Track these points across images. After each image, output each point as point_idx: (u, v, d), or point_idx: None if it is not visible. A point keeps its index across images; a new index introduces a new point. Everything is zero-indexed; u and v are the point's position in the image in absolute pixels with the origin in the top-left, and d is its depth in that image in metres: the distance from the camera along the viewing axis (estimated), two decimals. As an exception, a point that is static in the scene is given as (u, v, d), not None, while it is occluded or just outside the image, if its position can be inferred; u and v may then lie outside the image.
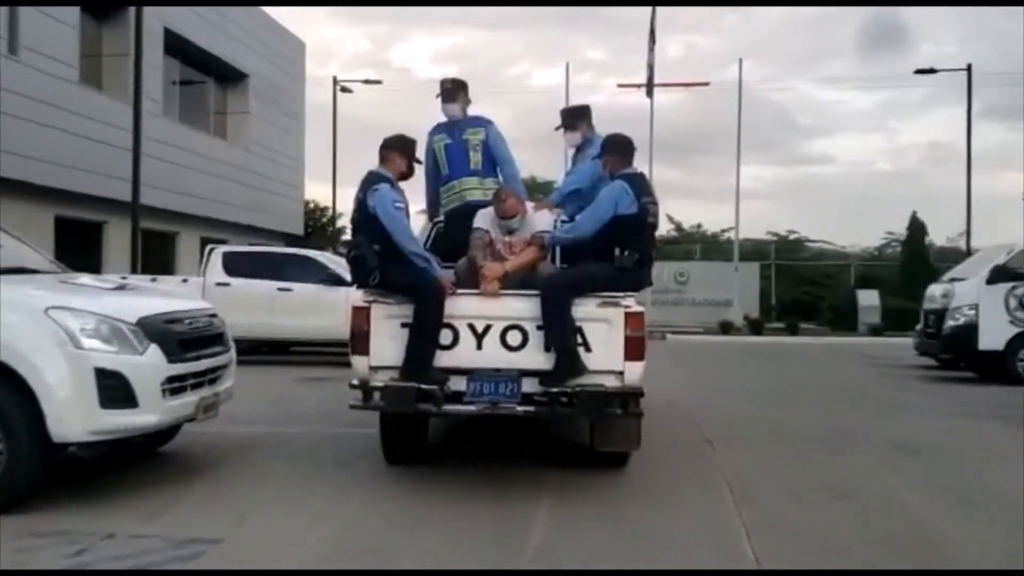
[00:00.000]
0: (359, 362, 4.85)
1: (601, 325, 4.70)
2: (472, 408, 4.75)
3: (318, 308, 11.07)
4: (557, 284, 4.71)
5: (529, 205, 5.27)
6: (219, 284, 11.40)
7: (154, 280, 11.76)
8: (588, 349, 4.68)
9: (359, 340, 4.83)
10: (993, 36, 52.40)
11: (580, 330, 4.69)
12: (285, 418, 7.11)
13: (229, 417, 5.89)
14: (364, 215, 4.90)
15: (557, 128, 5.66)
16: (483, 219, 5.21)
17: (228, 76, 21.75)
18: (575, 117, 5.65)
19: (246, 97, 22.01)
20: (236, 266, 11.68)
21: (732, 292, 25.80)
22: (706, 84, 33.89)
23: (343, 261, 12.23)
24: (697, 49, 56.86)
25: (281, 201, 23.94)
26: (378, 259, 4.80)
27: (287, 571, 3.57)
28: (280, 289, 11.39)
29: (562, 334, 4.64)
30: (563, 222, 5.31)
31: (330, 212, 31.84)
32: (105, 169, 15.35)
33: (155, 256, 17.52)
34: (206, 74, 21.10)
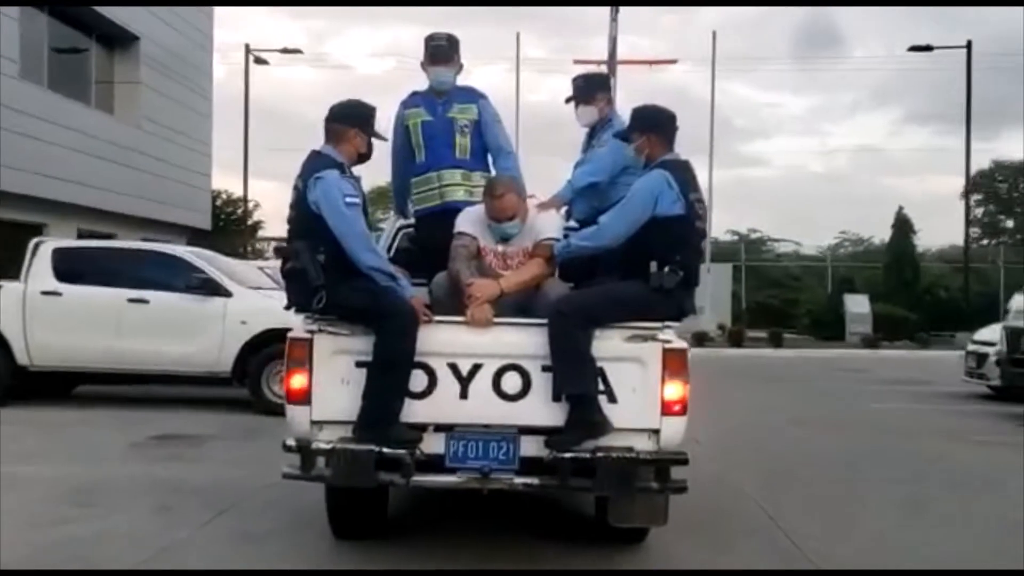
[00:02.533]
0: (297, 415, 4.01)
1: (630, 367, 3.94)
2: (454, 479, 3.96)
3: (185, 327, 8.88)
4: (571, 310, 3.89)
5: (531, 203, 4.45)
6: (46, 293, 9.04)
7: None
8: (612, 399, 3.94)
9: (297, 384, 4.00)
10: (920, 41, 57.28)
11: (602, 373, 3.93)
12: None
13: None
14: (304, 213, 4.02)
15: (568, 100, 4.84)
16: (469, 221, 4.37)
17: (114, 37, 20.22)
18: (592, 87, 4.83)
19: (137, 64, 20.50)
20: (72, 267, 9.24)
21: (704, 298, 25.41)
22: (673, 62, 34.02)
23: (229, 263, 10.37)
24: (636, 49, 59.97)
25: (183, 190, 22.51)
26: (323, 274, 3.93)
27: (289, 571, 3.54)
28: (132, 300, 9.03)
29: (578, 378, 3.85)
30: (570, 229, 4.50)
31: (252, 204, 30.48)
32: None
33: (14, 253, 15.86)
34: (85, 33, 19.53)
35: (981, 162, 41.18)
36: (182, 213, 22.59)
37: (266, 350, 8.61)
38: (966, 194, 29.91)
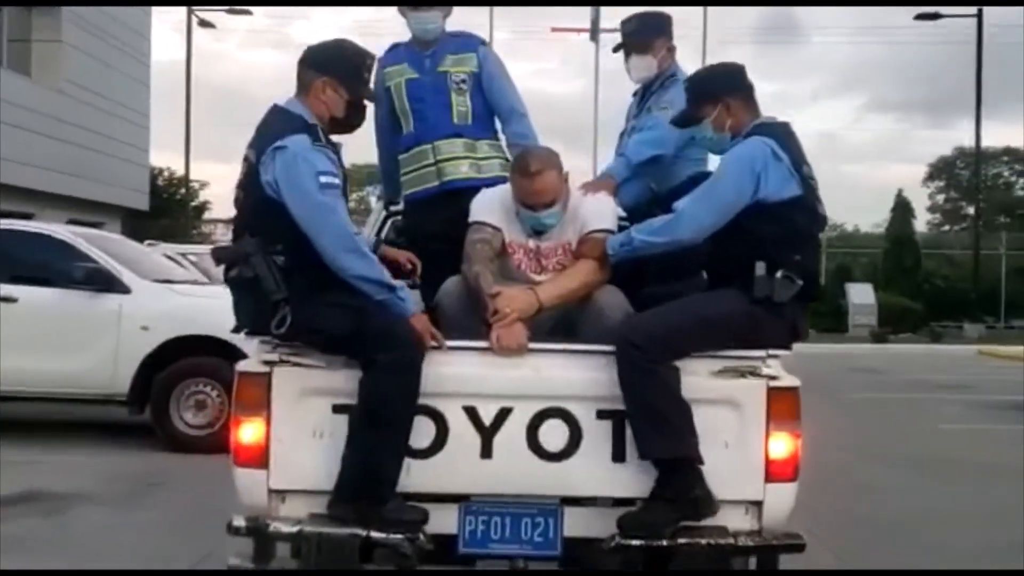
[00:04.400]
0: (249, 482, 3.03)
1: (721, 413, 3.00)
2: None
3: (66, 334, 7.14)
4: (648, 340, 2.91)
5: (574, 183, 3.46)
6: None
7: None
8: (695, 458, 2.99)
9: (249, 439, 3.01)
10: (881, 30, 60.02)
11: (681, 421, 2.97)
12: None
13: None
14: (257, 197, 3.02)
15: (617, 49, 3.92)
16: (490, 208, 3.38)
17: (32, -10, 18.80)
18: (648, 31, 3.87)
19: (58, 20, 19.06)
20: None
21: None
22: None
23: (131, 248, 8.61)
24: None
25: (116, 165, 21.20)
26: (285, 282, 2.92)
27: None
28: None
29: (672, 434, 2.90)
30: (622, 220, 3.53)
31: (196, 185, 29.08)
32: None
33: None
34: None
35: (943, 150, 43.17)
36: (115, 192, 21.31)
37: (175, 365, 7.04)
38: (976, 177, 29.60)
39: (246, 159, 3.05)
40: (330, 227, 2.93)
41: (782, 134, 3.11)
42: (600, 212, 3.35)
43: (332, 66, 3.13)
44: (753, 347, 3.00)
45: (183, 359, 7.05)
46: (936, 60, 47.91)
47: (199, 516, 4.62)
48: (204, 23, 26.87)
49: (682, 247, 3.14)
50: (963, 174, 45.86)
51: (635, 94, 4.00)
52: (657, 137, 3.62)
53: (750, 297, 2.96)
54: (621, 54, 3.96)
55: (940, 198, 47.32)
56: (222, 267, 3.06)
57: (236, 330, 3.08)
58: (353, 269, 2.93)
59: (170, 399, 7.04)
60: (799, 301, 3.01)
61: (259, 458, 2.98)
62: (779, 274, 2.95)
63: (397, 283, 3.01)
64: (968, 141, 42.67)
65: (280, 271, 2.91)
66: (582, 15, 25.56)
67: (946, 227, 45.74)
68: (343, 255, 2.93)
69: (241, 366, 3.06)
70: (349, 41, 3.22)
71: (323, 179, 2.94)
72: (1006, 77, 46.67)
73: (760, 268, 2.95)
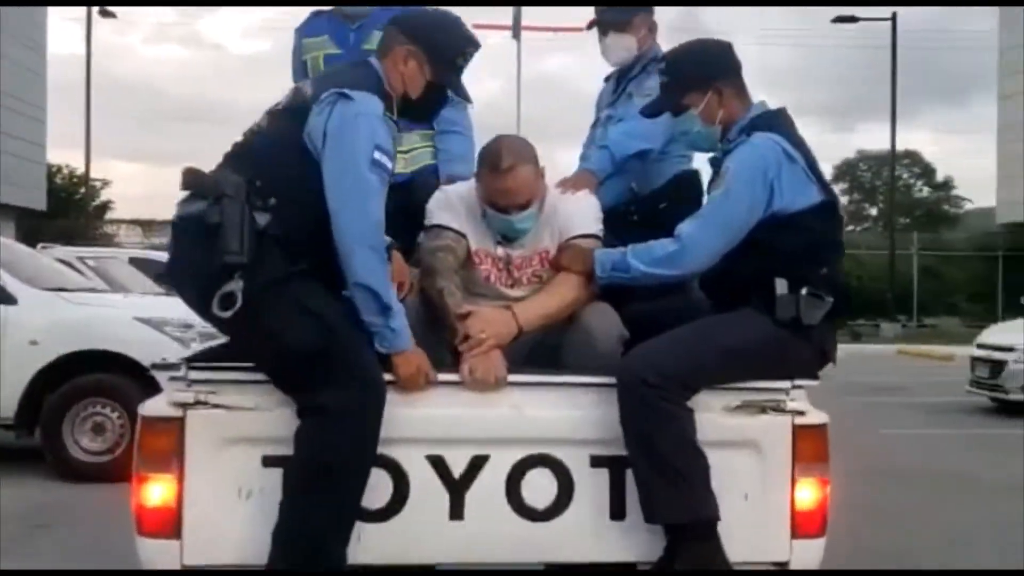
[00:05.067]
0: (156, 555, 2.42)
1: (738, 457, 2.51)
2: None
3: None
4: (659, 375, 2.38)
5: (550, 181, 2.91)
6: None
7: None
8: (710, 510, 2.49)
9: (156, 501, 2.40)
10: (791, 33, 62.70)
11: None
12: None
13: None
14: (286, 136, 2.42)
15: (591, 26, 3.41)
16: (451, 208, 2.82)
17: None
18: (628, 7, 3.37)
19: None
20: None
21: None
22: (580, 30, 32.91)
23: (18, 251, 7.63)
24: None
25: (10, 161, 19.98)
26: (254, 250, 2.28)
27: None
28: None
29: (688, 492, 2.39)
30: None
31: (97, 184, 27.57)
32: None
33: None
34: None
35: (846, 152, 45.47)
36: (9, 190, 20.09)
37: (69, 384, 6.30)
38: (891, 180, 30.45)
39: (298, 88, 2.48)
40: (360, 208, 2.33)
41: (787, 126, 2.63)
42: (582, 214, 2.81)
43: (424, 36, 2.55)
44: (776, 377, 2.52)
45: (78, 377, 6.29)
46: (839, 64, 49.26)
47: (96, 563, 3.95)
48: (105, 13, 25.51)
49: (691, 277, 2.67)
50: (865, 176, 47.38)
51: (608, 79, 3.52)
52: (644, 129, 3.10)
53: (773, 319, 2.48)
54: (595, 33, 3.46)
55: (844, 200, 49.18)
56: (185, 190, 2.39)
57: (161, 279, 2.45)
58: (359, 272, 2.32)
59: (63, 422, 6.24)
60: (827, 319, 2.54)
61: (169, 526, 2.38)
62: (804, 291, 2.47)
63: (395, 307, 2.40)
64: (869, 144, 44.21)
65: (255, 234, 2.28)
66: (504, 14, 25.18)
67: (850, 227, 47.45)
68: (359, 248, 2.32)
69: (145, 409, 2.44)
70: (455, 18, 2.63)
71: (377, 155, 2.36)
72: (906, 82, 48.87)
73: (781, 286, 2.47)
